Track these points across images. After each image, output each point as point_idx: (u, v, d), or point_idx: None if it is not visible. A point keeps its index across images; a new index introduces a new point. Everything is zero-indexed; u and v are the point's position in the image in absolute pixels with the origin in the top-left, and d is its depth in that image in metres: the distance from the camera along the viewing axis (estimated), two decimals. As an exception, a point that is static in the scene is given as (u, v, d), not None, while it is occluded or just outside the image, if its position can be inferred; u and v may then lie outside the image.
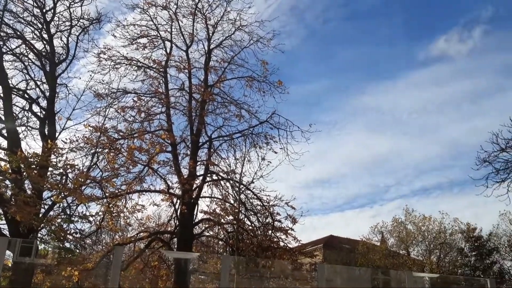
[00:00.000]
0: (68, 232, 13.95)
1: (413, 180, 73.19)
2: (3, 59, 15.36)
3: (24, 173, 13.12)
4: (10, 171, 13.16)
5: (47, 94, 16.33)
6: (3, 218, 13.15)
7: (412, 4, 73.27)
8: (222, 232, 19.26)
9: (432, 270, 36.32)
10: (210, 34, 20.73)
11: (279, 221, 18.35)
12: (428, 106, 71.83)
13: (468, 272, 36.75)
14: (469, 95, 69.21)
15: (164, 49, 20.47)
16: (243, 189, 18.30)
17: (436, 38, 74.81)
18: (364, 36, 75.63)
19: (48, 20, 17.07)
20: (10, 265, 10.92)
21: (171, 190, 18.25)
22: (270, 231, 18.34)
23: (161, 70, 19.72)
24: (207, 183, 19.02)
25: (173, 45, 20.51)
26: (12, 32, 16.06)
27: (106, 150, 16.78)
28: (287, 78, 75.31)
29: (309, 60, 75.69)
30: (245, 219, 18.56)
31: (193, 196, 17.42)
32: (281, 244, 18.45)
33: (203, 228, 19.17)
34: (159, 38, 20.46)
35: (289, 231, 18.18)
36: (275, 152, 18.72)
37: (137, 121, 18.70)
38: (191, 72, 19.83)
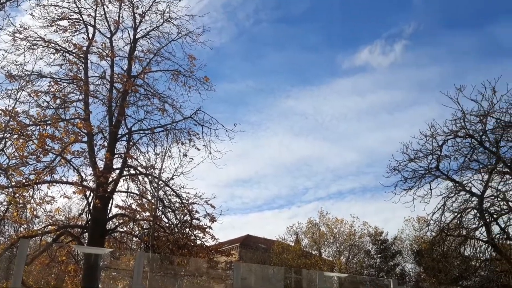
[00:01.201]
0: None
1: (330, 184, 76.35)
2: None
3: None
4: None
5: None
6: None
7: (339, 13, 76.36)
8: (137, 229, 18.64)
9: (341, 270, 37.96)
10: (137, 23, 19.99)
11: (198, 219, 18.18)
12: (348, 114, 75.36)
13: (373, 273, 38.89)
14: (386, 106, 73.55)
15: (86, 34, 19.39)
16: (162, 185, 17.87)
17: (360, 49, 78.57)
18: (292, 41, 77.54)
19: (-41, -7, 15.53)
20: None
21: (84, 183, 17.33)
22: (187, 229, 18.09)
23: (81, 55, 18.66)
24: (123, 177, 18.34)
25: (96, 30, 19.50)
26: None
27: (15, 136, 15.55)
28: (214, 74, 75.31)
29: (238, 59, 76.20)
30: (162, 216, 18.15)
31: (108, 190, 16.69)
32: (198, 242, 18.29)
33: (117, 223, 18.45)
34: (81, 22, 19.33)
35: (207, 230, 18.08)
36: (198, 149, 18.49)
37: (51, 107, 17.49)
38: (113, 60, 18.97)
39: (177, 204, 18.32)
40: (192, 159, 18.07)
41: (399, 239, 40.99)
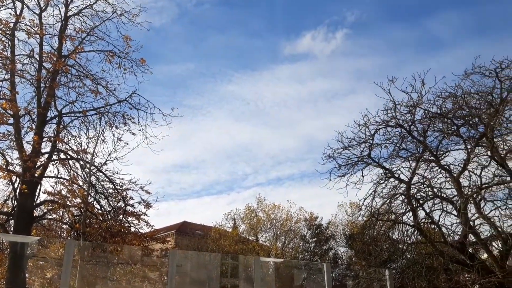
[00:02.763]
0: None
1: (269, 169, 76.99)
2: None
3: None
4: None
5: None
6: None
7: (283, -1, 76.50)
8: (67, 216, 17.93)
9: (277, 255, 38.73)
10: (69, 0, 18.96)
11: (132, 205, 17.76)
12: (289, 101, 76.26)
13: (308, 257, 39.99)
14: (325, 94, 75.05)
15: (13, 9, 18.06)
16: (94, 171, 17.25)
17: (303, 34, 79.20)
18: (235, 25, 77.03)
19: None
20: None
21: (10, 167, 16.39)
22: (121, 216, 17.64)
23: (7, 32, 17.40)
24: (53, 162, 17.50)
25: (24, 6, 18.27)
26: None
27: None
28: (154, 56, 73.32)
29: (179, 41, 74.65)
30: (95, 202, 17.56)
31: (36, 175, 15.86)
32: (132, 229, 17.90)
33: (46, 210, 17.62)
34: (8, -5, 18.06)
35: (141, 216, 17.72)
36: (133, 134, 17.94)
37: (-27, 86, 16.33)
38: (43, 38, 17.88)
39: (110, 190, 17.81)
40: (127, 143, 17.56)
41: (333, 223, 42.36)
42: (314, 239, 41.45)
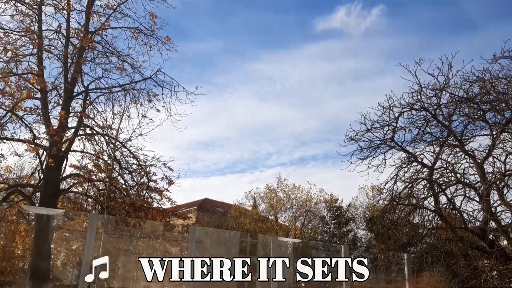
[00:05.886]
0: None
1: (293, 150, 76.66)
2: None
3: None
4: None
5: None
6: None
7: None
8: (92, 189, 18.37)
9: (296, 235, 38.93)
10: (96, -24, 19.01)
11: (155, 181, 18.06)
12: (315, 80, 75.32)
13: (327, 239, 40.10)
14: (353, 73, 73.72)
15: (40, -16, 18.31)
16: (119, 146, 17.54)
17: (336, 9, 77.30)
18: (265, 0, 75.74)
19: None
20: None
21: (37, 141, 16.77)
22: (144, 191, 17.97)
23: (35, 6, 17.63)
24: (79, 137, 17.84)
25: (51, -19, 18.43)
26: None
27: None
28: (182, 33, 72.75)
29: (207, 16, 73.94)
30: (119, 177, 17.93)
31: (62, 149, 16.21)
32: (155, 204, 18.25)
33: (71, 183, 18.06)
34: (35, -29, 18.21)
35: (164, 192, 18.02)
36: (158, 111, 18.13)
37: (1, 60, 16.65)
38: (70, 14, 18.05)
39: (134, 166, 18.12)
40: (152, 120, 17.78)
41: (353, 206, 42.21)
42: (333, 221, 41.43)
